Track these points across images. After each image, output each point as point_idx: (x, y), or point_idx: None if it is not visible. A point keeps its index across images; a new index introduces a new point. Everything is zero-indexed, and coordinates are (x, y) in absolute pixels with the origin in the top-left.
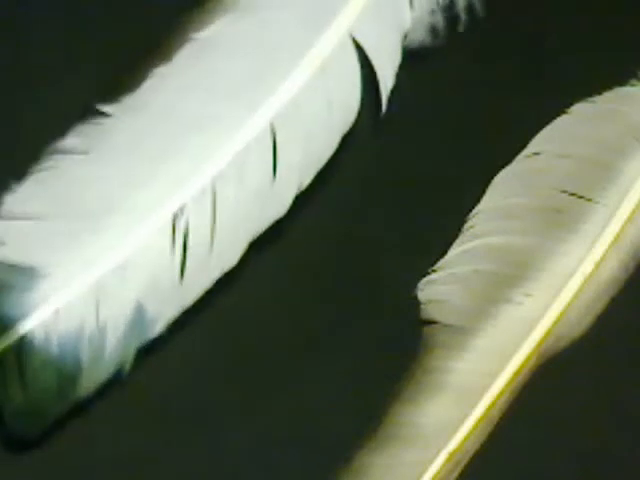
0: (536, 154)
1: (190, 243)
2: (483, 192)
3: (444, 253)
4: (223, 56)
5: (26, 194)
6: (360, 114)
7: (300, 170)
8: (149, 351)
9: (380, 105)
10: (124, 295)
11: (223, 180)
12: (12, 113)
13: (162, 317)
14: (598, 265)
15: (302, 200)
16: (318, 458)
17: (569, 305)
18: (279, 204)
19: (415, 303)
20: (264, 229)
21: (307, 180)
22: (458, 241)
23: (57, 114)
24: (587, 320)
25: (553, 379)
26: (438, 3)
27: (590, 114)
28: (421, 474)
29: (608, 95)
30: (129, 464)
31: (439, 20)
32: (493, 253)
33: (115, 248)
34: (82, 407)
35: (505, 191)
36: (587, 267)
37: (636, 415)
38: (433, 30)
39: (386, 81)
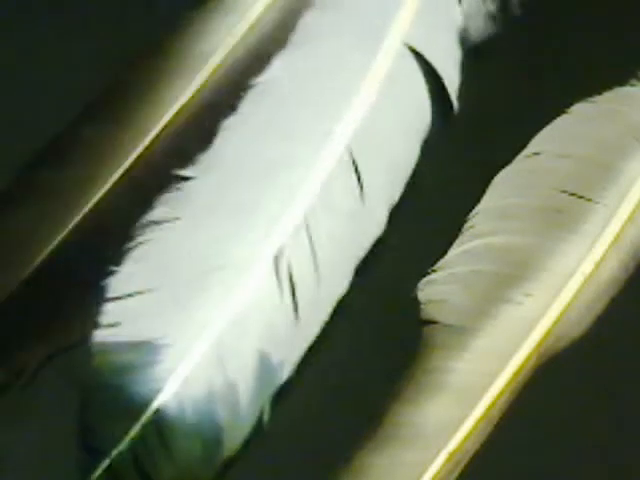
0: (536, 154)
1: (297, 282)
2: (483, 192)
3: (444, 253)
4: (286, 95)
5: (129, 272)
6: (433, 117)
7: (387, 186)
8: (282, 395)
9: (451, 104)
10: (245, 348)
11: (314, 214)
12: (11, 113)
13: (287, 360)
14: (598, 265)
15: None
16: (318, 458)
17: (569, 305)
18: (375, 222)
19: (415, 303)
20: (365, 251)
21: (397, 193)
22: (458, 241)
23: (57, 114)
24: (587, 320)
25: (553, 379)
26: None
27: (590, 114)
28: (421, 474)
29: (608, 95)
30: None
31: (492, 7)
32: (493, 253)
33: (226, 304)
34: (229, 465)
35: (505, 191)
36: (587, 267)
37: (636, 415)
38: (490, 17)
39: (451, 80)
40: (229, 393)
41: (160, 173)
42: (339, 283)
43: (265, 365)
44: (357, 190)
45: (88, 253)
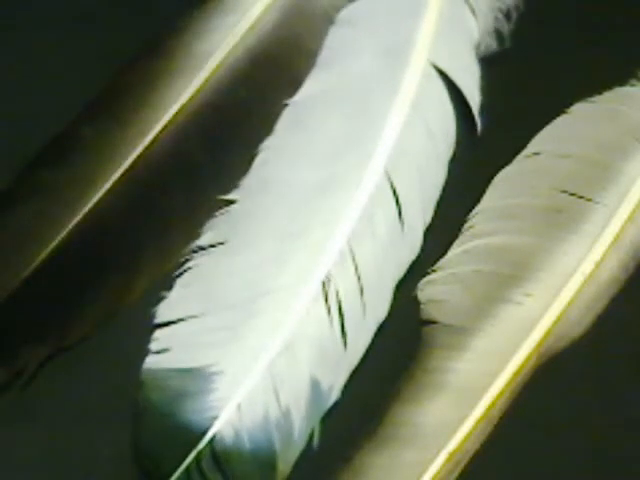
0: (536, 154)
1: (344, 306)
2: (483, 192)
3: (444, 253)
4: (320, 117)
5: (177, 298)
6: (458, 137)
7: (421, 207)
8: (328, 415)
9: (474, 123)
10: (297, 373)
11: (357, 238)
12: (11, 113)
13: (336, 385)
14: (598, 265)
15: None
16: (318, 458)
17: (569, 305)
18: (412, 245)
19: (415, 303)
20: (404, 272)
21: (430, 214)
22: (458, 241)
23: (57, 114)
24: (587, 320)
25: (553, 379)
26: (499, 8)
27: (590, 114)
28: (421, 474)
29: (608, 95)
30: None
31: (503, 24)
32: (493, 253)
33: (276, 329)
34: None
35: (505, 191)
36: (587, 267)
37: (636, 415)
38: (498, 35)
39: (474, 97)
40: (283, 419)
41: (160, 173)
42: (381, 307)
43: (316, 390)
44: (396, 214)
45: (88, 253)
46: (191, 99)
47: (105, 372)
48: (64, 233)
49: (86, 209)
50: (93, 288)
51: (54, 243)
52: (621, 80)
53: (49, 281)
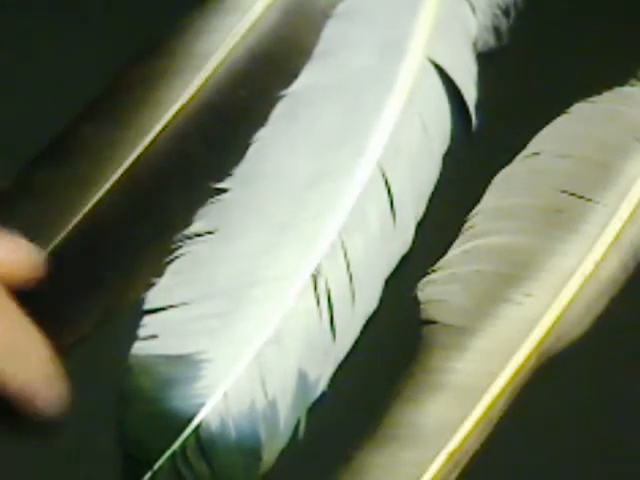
0: (536, 154)
1: (334, 300)
2: (483, 192)
3: (444, 253)
4: (315, 109)
5: (167, 285)
6: (453, 132)
7: (414, 203)
8: (314, 406)
9: (470, 119)
10: (285, 364)
11: (349, 231)
12: (11, 113)
13: (323, 377)
14: (598, 265)
15: None
16: (318, 458)
17: (569, 305)
18: (403, 239)
19: (415, 303)
20: (394, 266)
21: (422, 209)
22: (458, 241)
23: (57, 114)
24: (587, 320)
25: (553, 379)
26: (498, 5)
27: (590, 114)
28: (421, 474)
29: (608, 95)
30: None
31: (501, 21)
32: (493, 253)
33: (265, 319)
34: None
35: (505, 191)
36: (587, 267)
37: (636, 415)
38: (496, 32)
39: (470, 94)
40: (269, 409)
41: (160, 173)
42: (370, 302)
43: (303, 381)
44: (388, 208)
45: (88, 253)
46: (191, 99)
47: (104, 372)
48: (64, 233)
49: (86, 209)
50: (93, 288)
51: (54, 243)
52: (621, 80)
53: (48, 281)
